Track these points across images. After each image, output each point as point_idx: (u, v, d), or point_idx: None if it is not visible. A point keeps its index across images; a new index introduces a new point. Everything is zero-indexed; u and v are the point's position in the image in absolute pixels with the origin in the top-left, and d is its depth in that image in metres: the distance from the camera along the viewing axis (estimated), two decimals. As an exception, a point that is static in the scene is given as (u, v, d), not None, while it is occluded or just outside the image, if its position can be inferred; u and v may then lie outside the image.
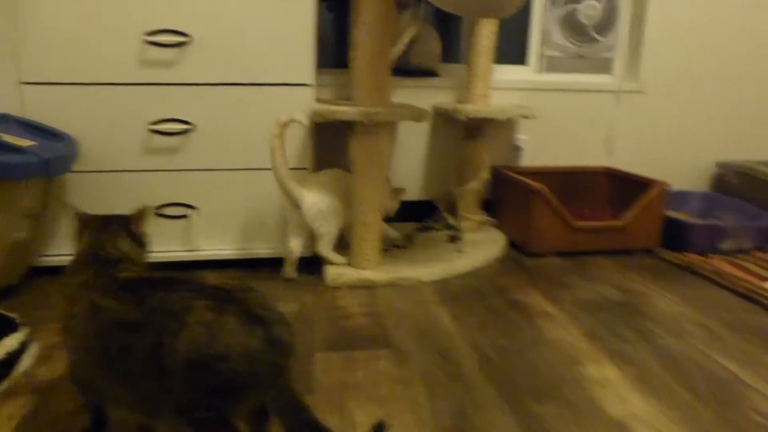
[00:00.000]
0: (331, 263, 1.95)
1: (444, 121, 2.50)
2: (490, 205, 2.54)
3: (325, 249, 1.93)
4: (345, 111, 1.80)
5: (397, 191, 2.15)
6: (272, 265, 1.99)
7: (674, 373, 1.39)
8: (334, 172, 1.98)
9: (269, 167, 1.91)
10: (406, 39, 2.27)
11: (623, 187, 2.48)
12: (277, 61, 1.86)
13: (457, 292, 1.86)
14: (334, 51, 2.54)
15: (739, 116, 2.78)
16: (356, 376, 1.34)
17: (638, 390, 1.31)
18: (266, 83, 1.87)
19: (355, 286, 1.89)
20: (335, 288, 1.87)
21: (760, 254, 2.26)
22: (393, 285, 1.90)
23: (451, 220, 2.36)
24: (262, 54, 1.84)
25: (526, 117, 2.28)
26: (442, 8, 1.62)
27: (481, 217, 2.44)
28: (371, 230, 1.92)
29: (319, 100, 2.10)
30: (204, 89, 1.84)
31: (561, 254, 2.24)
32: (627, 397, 1.28)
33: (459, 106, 2.20)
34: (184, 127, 1.86)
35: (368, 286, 1.89)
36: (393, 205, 2.15)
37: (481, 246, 2.22)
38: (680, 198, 2.66)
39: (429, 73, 2.40)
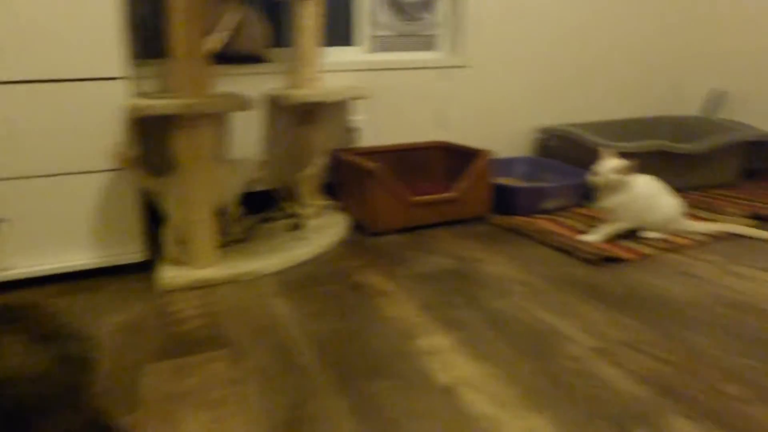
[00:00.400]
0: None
1: (277, 107, 2.45)
2: (331, 189, 2.55)
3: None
4: (162, 105, 1.70)
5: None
6: (98, 275, 1.86)
7: (499, 332, 1.47)
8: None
9: (89, 170, 1.77)
10: (229, 25, 2.19)
11: (458, 160, 2.59)
12: (81, 54, 1.71)
13: (297, 281, 1.84)
14: (159, 39, 2.38)
15: (557, 84, 3.00)
16: (188, 383, 1.29)
17: (466, 354, 1.37)
18: (70, 79, 1.72)
19: (191, 288, 1.81)
20: (169, 292, 1.79)
21: (579, 210, 2.46)
22: (232, 282, 1.85)
23: (292, 208, 2.34)
24: (62, 47, 1.69)
25: (359, 98, 2.30)
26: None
27: (323, 201, 2.44)
28: (204, 227, 1.85)
29: (141, 94, 1.98)
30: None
31: (401, 231, 2.29)
32: (455, 362, 1.34)
33: (288, 92, 2.16)
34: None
35: (205, 286, 1.82)
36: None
37: (324, 231, 2.22)
38: (509, 164, 2.83)
39: (257, 59, 2.34)
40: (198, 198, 1.82)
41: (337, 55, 2.64)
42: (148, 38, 2.31)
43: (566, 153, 2.78)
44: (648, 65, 3.21)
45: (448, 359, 1.35)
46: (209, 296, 1.75)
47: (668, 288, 1.70)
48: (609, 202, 2.05)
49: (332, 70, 2.51)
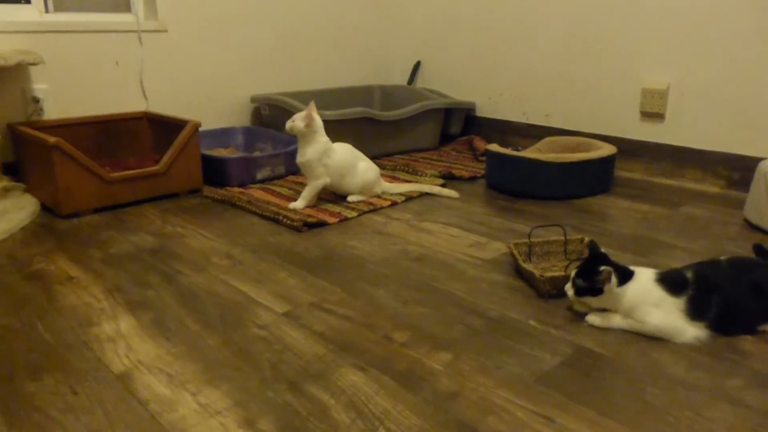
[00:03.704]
0: None
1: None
2: (14, 169, 2.23)
3: None
4: None
5: None
6: None
7: (190, 308, 1.42)
8: None
9: None
10: None
11: (164, 131, 2.44)
12: None
13: (-41, 277, 1.58)
14: None
15: (268, 53, 2.98)
16: None
17: (150, 336, 1.30)
18: None
19: None
20: None
21: (292, 178, 2.51)
22: None
23: (-37, 192, 1.99)
24: None
25: (32, 64, 2.02)
26: None
27: (3, 182, 2.12)
28: None
29: None
30: None
31: (99, 210, 2.10)
32: (136, 346, 1.25)
33: (-69, 55, 1.81)
34: None
35: None
36: None
37: (3, 217, 1.93)
38: (226, 135, 2.76)
39: None
40: None
41: (5, 14, 2.27)
42: None
43: (280, 122, 2.80)
44: (356, 36, 3.36)
45: (128, 344, 1.26)
46: None
47: (362, 248, 1.81)
48: (302, 156, 2.11)
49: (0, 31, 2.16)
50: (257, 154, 2.56)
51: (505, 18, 3.00)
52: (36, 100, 2.29)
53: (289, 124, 2.08)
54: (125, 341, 1.27)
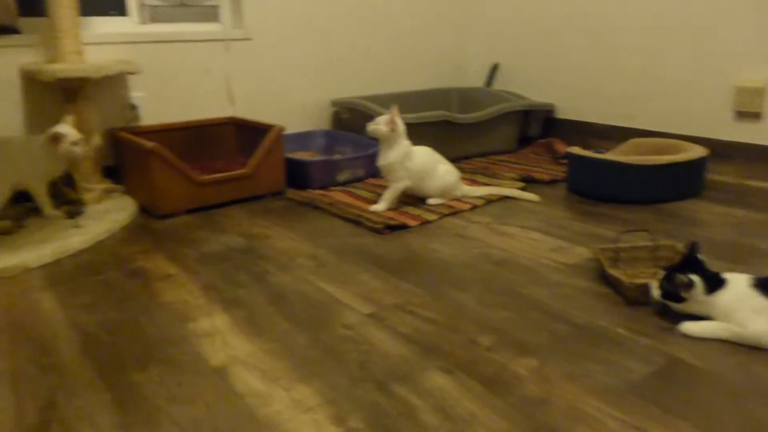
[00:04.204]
0: None
1: (39, 84, 2.20)
2: (114, 172, 2.37)
3: None
4: None
5: (55, 137, 1.88)
6: None
7: (279, 307, 1.48)
8: None
9: None
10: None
11: (249, 136, 2.53)
12: None
13: (69, 273, 1.70)
14: None
15: (347, 58, 3.04)
16: None
17: (244, 332, 1.36)
18: None
19: (-64, 291, 1.59)
20: None
21: (372, 181, 2.55)
22: (-10, 279, 1.66)
23: (69, 194, 2.14)
24: None
25: (130, 73, 2.15)
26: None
27: (105, 185, 2.26)
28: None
29: None
30: None
31: (191, 211, 2.21)
32: (232, 342, 1.32)
33: (44, 67, 1.96)
34: None
35: (-46, 287, 1.61)
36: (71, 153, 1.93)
37: (105, 217, 2.07)
38: (307, 138, 2.84)
39: (5, 29, 2.08)
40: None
41: (105, 25, 2.42)
42: None
43: (358, 125, 2.85)
44: (433, 39, 3.38)
45: (224, 339, 1.33)
46: (-42, 298, 1.55)
47: (443, 250, 1.82)
48: (384, 159, 2.14)
49: (100, 43, 2.30)
50: (337, 156, 2.61)
51: (586, 14, 2.94)
52: (133, 107, 2.43)
53: (371, 127, 2.12)
54: (221, 337, 1.34)
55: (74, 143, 1.91)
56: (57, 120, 1.96)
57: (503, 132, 3.05)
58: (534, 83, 3.25)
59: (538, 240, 1.89)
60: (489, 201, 2.27)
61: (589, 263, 1.69)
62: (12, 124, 2.20)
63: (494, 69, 3.42)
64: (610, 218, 2.08)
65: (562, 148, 2.88)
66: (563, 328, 1.35)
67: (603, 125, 2.98)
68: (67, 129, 1.91)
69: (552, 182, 2.53)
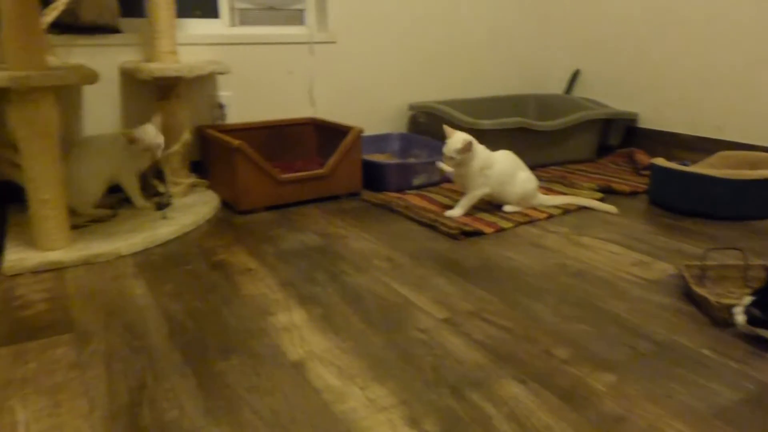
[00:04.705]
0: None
1: (135, 82, 2.33)
2: (200, 167, 2.47)
3: None
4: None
5: (131, 140, 2.00)
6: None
7: (355, 307, 1.50)
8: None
9: None
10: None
11: (328, 136, 2.59)
12: None
13: (158, 261, 1.79)
14: None
15: (427, 61, 3.06)
16: (26, 370, 1.22)
17: (320, 329, 1.39)
18: None
19: (39, 271, 1.71)
20: (15, 276, 1.67)
21: (447, 185, 2.55)
22: (86, 263, 1.76)
23: (159, 187, 2.25)
24: None
25: (220, 73, 2.23)
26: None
27: (191, 179, 2.37)
28: (52, 207, 1.74)
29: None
30: None
31: (271, 209, 2.27)
32: (308, 338, 1.35)
33: (142, 65, 2.07)
34: None
35: (56, 269, 1.72)
36: (149, 153, 2.04)
37: (191, 210, 2.16)
38: (383, 140, 2.87)
39: (107, 29, 2.21)
40: (43, 176, 1.70)
41: (198, 27, 2.53)
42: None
43: (434, 129, 2.86)
44: (513, 45, 3.34)
45: (301, 335, 1.36)
46: (60, 279, 1.66)
47: (519, 259, 1.80)
48: (459, 171, 2.13)
49: (193, 44, 2.41)
50: (412, 160, 2.63)
51: (674, 20, 2.83)
52: (221, 106, 2.53)
53: (444, 164, 2.13)
54: (299, 332, 1.38)
55: (147, 148, 2.01)
56: (148, 118, 2.07)
57: (582, 140, 2.98)
58: (616, 91, 3.16)
59: (618, 253, 1.84)
60: (566, 211, 2.23)
61: (672, 280, 1.64)
62: (110, 119, 2.33)
63: (575, 76, 3.35)
64: (696, 234, 2.00)
65: (644, 158, 2.80)
66: (644, 345, 1.31)
67: (689, 136, 2.86)
68: (145, 132, 2.01)
69: (632, 194, 2.46)
